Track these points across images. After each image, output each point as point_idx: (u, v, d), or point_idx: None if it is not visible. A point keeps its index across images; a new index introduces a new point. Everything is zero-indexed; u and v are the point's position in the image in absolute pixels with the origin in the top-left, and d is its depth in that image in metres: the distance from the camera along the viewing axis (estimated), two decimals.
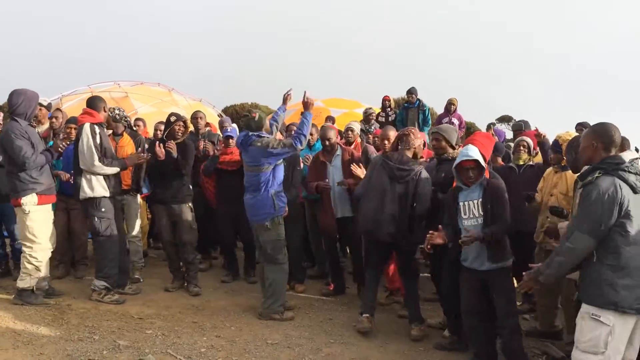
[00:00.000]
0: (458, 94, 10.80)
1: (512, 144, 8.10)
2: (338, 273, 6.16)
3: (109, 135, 5.64)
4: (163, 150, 5.60)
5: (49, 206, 5.16)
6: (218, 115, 12.74)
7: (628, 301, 2.92)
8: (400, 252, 5.04)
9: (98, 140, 5.20)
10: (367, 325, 4.88)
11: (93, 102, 5.43)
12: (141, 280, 6.14)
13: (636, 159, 3.17)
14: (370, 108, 10.69)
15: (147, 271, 6.59)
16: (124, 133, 6.02)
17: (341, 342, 4.71)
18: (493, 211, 3.95)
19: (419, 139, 5.03)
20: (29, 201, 4.91)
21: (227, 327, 4.89)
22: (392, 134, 5.54)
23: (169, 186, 5.74)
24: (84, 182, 5.22)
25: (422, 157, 5.28)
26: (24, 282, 5.01)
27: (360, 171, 5.28)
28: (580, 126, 6.70)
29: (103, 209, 5.27)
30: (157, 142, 5.83)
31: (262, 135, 5.05)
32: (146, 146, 6.42)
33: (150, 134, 8.33)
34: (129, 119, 6.54)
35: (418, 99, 10.60)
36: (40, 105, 6.15)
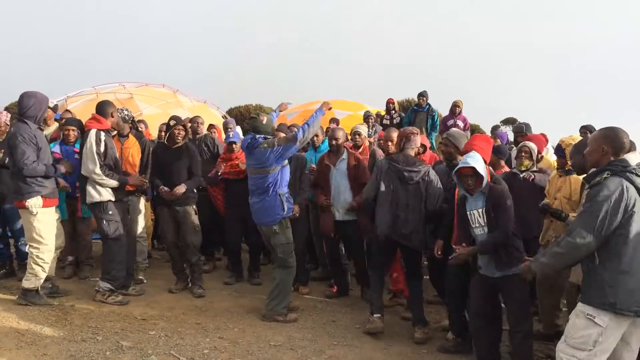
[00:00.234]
0: (463, 96, 10.78)
1: (515, 147, 8.10)
2: (341, 275, 6.15)
3: (114, 136, 5.65)
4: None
5: (54, 208, 5.18)
6: (222, 117, 12.76)
7: (627, 303, 2.93)
8: (408, 255, 5.03)
9: (102, 148, 5.21)
10: (379, 326, 4.89)
11: (101, 108, 5.42)
12: (144, 281, 6.14)
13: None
14: (368, 111, 10.68)
15: (150, 272, 6.59)
16: (130, 134, 6.04)
17: (344, 344, 4.71)
18: (495, 218, 3.88)
19: (391, 130, 5.25)
20: (34, 204, 4.92)
21: (230, 329, 4.89)
22: (395, 135, 5.54)
23: (171, 188, 5.75)
24: (90, 187, 5.24)
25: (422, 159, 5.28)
26: (29, 283, 5.03)
27: None
28: (584, 129, 6.67)
29: (110, 212, 5.29)
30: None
31: (268, 137, 5.06)
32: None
33: (153, 135, 8.35)
34: (135, 120, 6.55)
35: (428, 103, 10.59)
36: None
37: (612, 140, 3.14)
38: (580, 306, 3.07)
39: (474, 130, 21.27)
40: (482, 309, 4.06)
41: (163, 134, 6.67)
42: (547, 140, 6.46)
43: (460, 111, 10.42)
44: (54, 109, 7.03)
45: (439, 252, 4.70)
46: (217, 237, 6.97)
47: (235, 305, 5.57)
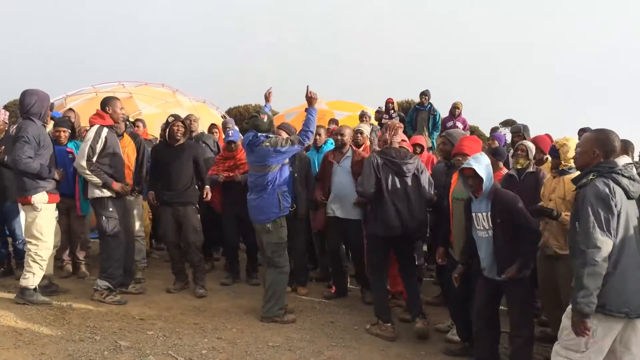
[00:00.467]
0: (462, 97, 10.80)
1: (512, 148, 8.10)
2: (340, 276, 6.15)
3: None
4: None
5: (54, 205, 5.20)
6: (222, 117, 12.75)
7: (615, 304, 2.94)
8: (402, 249, 5.07)
9: (100, 143, 5.21)
10: (392, 335, 4.91)
11: (105, 103, 5.44)
12: (143, 280, 6.13)
13: (630, 163, 3.17)
14: (363, 111, 10.63)
15: (149, 272, 6.59)
16: (125, 134, 6.03)
17: (342, 345, 4.70)
18: (504, 225, 3.84)
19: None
20: (40, 199, 4.97)
21: (229, 329, 4.88)
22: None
23: (175, 187, 5.75)
24: (90, 183, 5.28)
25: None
26: (27, 281, 5.02)
27: None
28: (582, 132, 6.68)
29: (110, 209, 5.31)
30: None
31: (270, 135, 5.07)
32: (147, 148, 6.43)
33: (153, 134, 8.35)
34: (129, 119, 6.57)
35: (430, 103, 10.58)
36: None
37: (603, 144, 3.16)
38: (570, 308, 3.08)
39: (473, 131, 21.30)
40: (484, 311, 4.06)
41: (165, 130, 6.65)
42: (552, 142, 6.45)
43: (460, 113, 10.41)
44: (51, 107, 7.00)
45: (440, 259, 4.80)
46: (215, 237, 6.96)
47: (234, 306, 5.56)
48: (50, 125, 6.81)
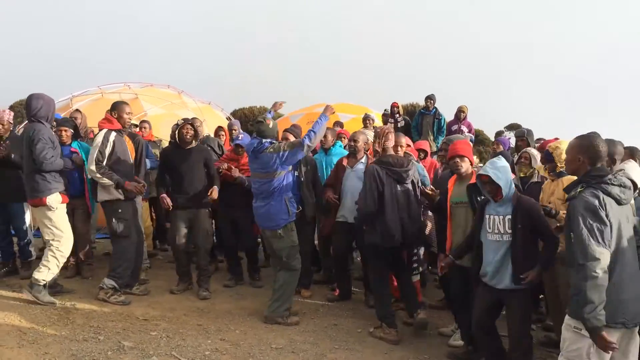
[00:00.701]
0: (466, 100, 10.78)
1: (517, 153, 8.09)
2: (344, 279, 6.14)
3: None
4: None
5: (65, 205, 5.28)
6: (227, 118, 12.77)
7: (610, 315, 2.90)
8: (400, 255, 5.10)
9: (109, 148, 5.29)
10: (396, 339, 4.90)
11: (112, 108, 5.53)
12: (147, 281, 6.13)
13: (620, 170, 3.14)
14: (367, 114, 10.63)
15: (152, 273, 6.60)
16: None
17: (345, 348, 4.70)
18: (525, 231, 3.79)
19: (399, 135, 5.36)
20: (54, 200, 5.07)
21: (232, 331, 4.89)
22: (404, 141, 5.56)
23: (187, 190, 5.76)
24: (100, 186, 5.35)
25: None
26: (40, 274, 5.07)
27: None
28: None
29: (120, 211, 5.37)
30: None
31: (274, 141, 5.08)
32: (150, 147, 6.44)
33: (157, 136, 8.36)
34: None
35: (435, 107, 10.57)
36: None
37: (586, 150, 3.12)
38: (567, 319, 3.06)
39: (478, 135, 21.27)
40: (483, 321, 4.03)
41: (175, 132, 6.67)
42: None
43: (465, 116, 10.40)
44: None
45: (442, 266, 4.75)
46: (218, 239, 6.97)
47: (237, 307, 5.57)
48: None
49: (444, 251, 4.71)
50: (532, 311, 4.03)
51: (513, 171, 5.85)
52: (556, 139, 5.84)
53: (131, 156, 5.82)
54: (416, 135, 10.32)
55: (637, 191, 3.72)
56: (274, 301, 5.18)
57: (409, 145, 5.74)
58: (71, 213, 6.07)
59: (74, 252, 6.28)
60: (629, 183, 3.05)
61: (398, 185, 4.87)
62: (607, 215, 2.92)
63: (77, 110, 7.71)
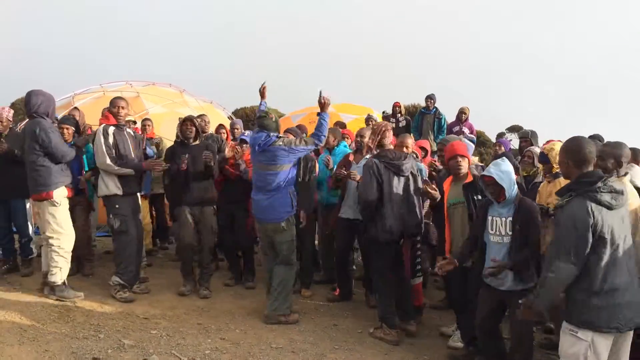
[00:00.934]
0: (469, 103, 10.79)
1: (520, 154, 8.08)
2: (345, 279, 6.13)
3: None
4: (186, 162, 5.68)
5: (67, 199, 5.31)
6: (228, 118, 12.76)
7: (605, 321, 2.93)
8: (401, 251, 5.10)
9: (111, 141, 5.37)
10: (396, 339, 4.91)
11: (110, 104, 5.64)
12: (146, 279, 6.13)
13: (610, 175, 3.10)
14: (369, 114, 10.63)
15: (153, 271, 6.61)
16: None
17: (346, 348, 4.69)
18: (522, 233, 3.81)
19: (406, 136, 5.42)
20: (60, 194, 5.12)
21: (232, 330, 4.88)
22: (410, 141, 5.56)
23: (193, 189, 5.75)
24: (100, 181, 5.48)
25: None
26: (55, 277, 5.12)
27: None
28: (591, 139, 6.65)
29: (117, 206, 5.42)
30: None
31: (281, 135, 5.11)
32: (153, 145, 6.44)
33: (158, 134, 8.36)
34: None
35: (435, 107, 10.58)
36: None
37: (572, 153, 3.12)
38: (564, 324, 3.10)
39: (479, 137, 21.24)
40: (487, 323, 4.04)
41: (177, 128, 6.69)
42: None
43: (467, 118, 10.38)
44: None
45: (439, 270, 4.77)
46: (219, 238, 6.94)
47: (237, 307, 5.56)
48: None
49: (442, 253, 4.71)
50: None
51: (517, 172, 5.87)
52: (550, 141, 5.85)
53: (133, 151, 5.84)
54: (417, 135, 10.31)
55: None
56: (274, 300, 5.17)
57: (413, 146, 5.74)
58: (71, 209, 6.09)
59: (75, 249, 6.30)
60: (620, 188, 3.01)
61: (396, 178, 4.90)
62: (595, 227, 2.92)
63: (75, 108, 7.70)
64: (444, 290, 6.05)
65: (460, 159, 4.52)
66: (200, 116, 7.41)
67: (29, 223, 6.13)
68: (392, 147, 5.10)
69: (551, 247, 3.11)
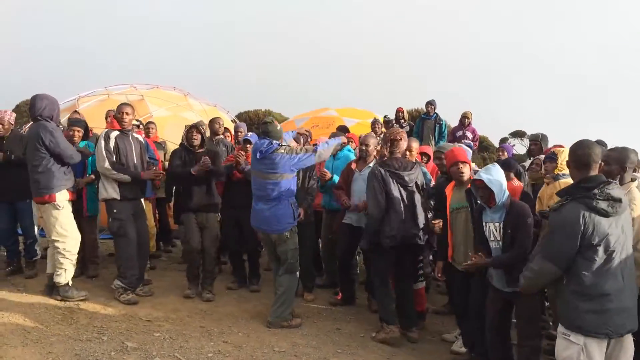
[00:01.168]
0: (472, 108, 10.78)
1: (525, 164, 8.06)
2: (348, 283, 6.13)
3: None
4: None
5: (70, 202, 5.33)
6: (232, 121, 12.80)
7: (593, 326, 2.95)
8: (405, 258, 5.09)
9: (112, 145, 5.42)
10: (398, 335, 4.94)
11: (116, 110, 5.69)
12: (149, 281, 6.14)
13: (609, 182, 3.08)
14: (375, 119, 10.64)
15: (157, 274, 6.62)
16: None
17: (349, 352, 4.69)
18: (512, 236, 3.84)
19: (412, 140, 5.48)
20: (62, 197, 5.15)
21: (235, 333, 4.89)
22: (415, 146, 5.57)
23: (197, 194, 5.77)
24: (100, 184, 5.56)
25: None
26: (60, 277, 5.15)
27: None
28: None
29: (115, 210, 5.47)
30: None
31: (283, 144, 5.12)
32: (157, 148, 6.46)
33: (162, 137, 8.39)
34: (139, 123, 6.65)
35: (436, 112, 10.60)
36: None
37: (573, 155, 3.16)
38: (559, 327, 3.13)
39: (483, 142, 21.24)
40: (495, 324, 4.05)
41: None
42: None
43: (470, 122, 10.40)
44: None
45: (440, 274, 4.90)
46: (222, 241, 6.95)
47: (240, 310, 5.56)
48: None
49: (444, 258, 4.73)
50: (539, 312, 4.04)
51: (519, 177, 5.87)
52: (558, 145, 5.86)
53: (140, 156, 5.86)
54: (418, 140, 10.32)
55: None
56: (277, 307, 5.17)
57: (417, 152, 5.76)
58: (76, 212, 6.11)
59: (79, 251, 6.32)
60: (618, 195, 3.00)
61: (401, 188, 4.92)
62: (584, 234, 2.94)
63: (75, 111, 7.74)
64: (446, 295, 6.05)
65: (461, 165, 4.53)
66: (215, 119, 7.47)
67: (35, 224, 6.16)
68: (399, 155, 5.08)
69: (540, 244, 3.20)
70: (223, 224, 6.32)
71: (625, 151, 4.04)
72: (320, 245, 6.86)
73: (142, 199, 5.91)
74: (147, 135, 7.50)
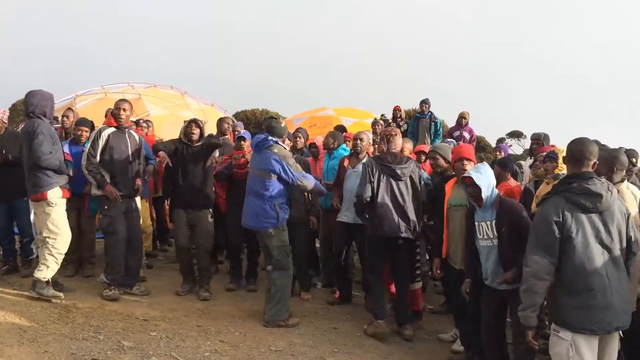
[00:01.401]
0: (471, 107, 10.80)
1: (522, 163, 8.06)
2: (345, 282, 6.13)
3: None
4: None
5: (65, 200, 5.29)
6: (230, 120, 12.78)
7: (579, 322, 2.98)
8: (397, 251, 5.11)
9: (102, 143, 5.41)
10: (386, 330, 4.99)
11: (114, 106, 5.66)
12: (144, 278, 6.14)
13: (591, 178, 3.10)
14: (376, 118, 10.65)
15: (153, 273, 6.61)
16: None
17: (345, 351, 4.69)
18: (511, 233, 3.82)
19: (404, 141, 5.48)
20: (55, 195, 5.09)
21: (232, 332, 4.88)
22: (408, 146, 5.57)
23: (189, 190, 5.76)
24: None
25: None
26: (40, 273, 5.09)
27: None
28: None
29: (105, 207, 5.46)
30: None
31: (280, 144, 5.12)
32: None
33: (159, 136, 8.39)
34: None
35: (430, 111, 10.61)
36: None
37: (567, 150, 3.23)
38: (553, 324, 3.16)
39: (480, 142, 21.26)
40: (491, 324, 4.05)
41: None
42: None
43: (467, 122, 10.40)
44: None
45: (438, 271, 4.90)
46: (220, 239, 6.94)
47: (237, 309, 5.56)
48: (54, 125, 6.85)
49: (439, 254, 4.77)
50: None
51: (515, 177, 5.88)
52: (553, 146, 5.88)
53: (136, 154, 5.84)
54: (413, 140, 10.32)
55: None
56: (272, 306, 5.17)
57: (410, 152, 5.79)
58: (77, 211, 6.10)
59: (74, 250, 6.30)
60: (598, 191, 3.03)
61: (392, 180, 4.98)
62: (562, 224, 3.00)
63: (69, 108, 7.70)
64: (443, 295, 6.06)
65: (466, 162, 4.56)
66: (224, 118, 7.51)
67: (32, 223, 6.14)
68: (394, 151, 5.12)
69: (527, 243, 3.19)
70: (226, 222, 6.31)
71: (613, 152, 4.08)
72: (318, 244, 6.86)
73: (138, 197, 5.90)
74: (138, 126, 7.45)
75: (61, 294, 5.19)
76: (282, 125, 5.17)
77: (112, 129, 5.49)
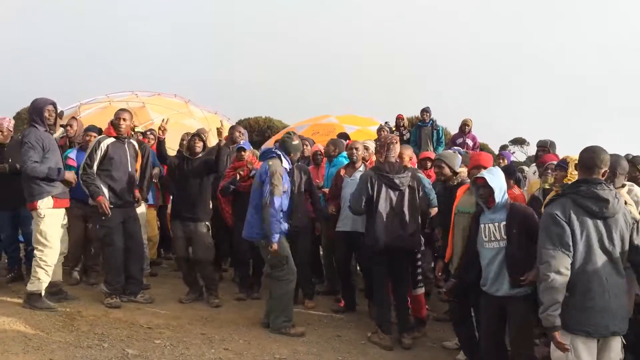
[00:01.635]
0: (472, 115, 10.78)
1: (525, 167, 8.06)
2: (349, 290, 6.12)
3: None
4: None
5: (62, 210, 5.26)
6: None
7: (575, 323, 3.02)
8: (397, 262, 5.09)
9: (100, 153, 5.39)
10: (390, 345, 4.95)
11: (114, 115, 5.66)
12: (148, 286, 6.16)
13: (599, 183, 3.14)
14: (382, 124, 10.67)
15: (157, 281, 6.62)
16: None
17: (349, 359, 4.69)
18: (522, 236, 3.81)
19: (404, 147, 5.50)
20: (44, 205, 5.02)
21: (236, 340, 4.88)
22: (408, 152, 5.57)
23: (186, 202, 5.80)
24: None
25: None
26: (32, 286, 5.08)
27: None
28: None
29: (103, 217, 5.39)
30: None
31: (283, 158, 5.13)
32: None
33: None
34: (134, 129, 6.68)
35: (431, 119, 10.63)
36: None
37: (579, 157, 3.29)
38: None
39: (483, 149, 21.25)
40: (490, 331, 4.04)
41: (185, 143, 6.73)
42: None
43: (470, 130, 10.41)
44: (59, 115, 7.06)
45: (440, 273, 4.91)
46: (225, 249, 6.95)
47: (241, 317, 5.56)
48: (58, 133, 6.87)
49: (443, 258, 4.76)
50: (532, 319, 4.02)
51: (519, 184, 5.88)
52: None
53: (137, 164, 5.86)
54: (416, 148, 10.34)
55: None
56: (270, 313, 5.20)
57: (410, 158, 5.78)
58: (83, 219, 6.13)
59: (79, 258, 6.32)
60: (605, 196, 3.07)
61: (391, 191, 4.96)
62: (570, 224, 3.04)
63: (73, 117, 7.75)
64: (447, 302, 6.04)
65: (483, 170, 4.53)
66: (234, 127, 7.46)
67: None
68: (393, 160, 5.11)
69: (538, 243, 3.20)
70: (234, 234, 6.30)
71: (615, 156, 4.11)
72: (321, 252, 6.86)
73: (143, 205, 5.92)
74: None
75: (56, 307, 5.15)
76: (295, 143, 5.21)
77: (112, 139, 5.49)
